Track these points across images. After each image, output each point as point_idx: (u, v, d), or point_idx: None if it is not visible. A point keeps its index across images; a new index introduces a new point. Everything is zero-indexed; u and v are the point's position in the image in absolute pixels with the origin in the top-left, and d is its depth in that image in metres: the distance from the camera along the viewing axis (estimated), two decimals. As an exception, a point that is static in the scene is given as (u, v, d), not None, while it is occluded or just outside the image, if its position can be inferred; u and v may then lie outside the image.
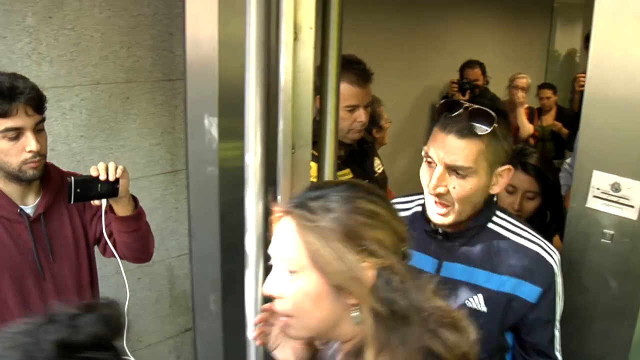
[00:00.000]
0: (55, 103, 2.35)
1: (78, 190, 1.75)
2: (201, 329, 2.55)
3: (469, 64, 5.50)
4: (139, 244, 2.02)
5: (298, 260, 1.10)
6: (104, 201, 1.82)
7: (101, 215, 1.88)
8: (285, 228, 1.13)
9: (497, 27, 6.19)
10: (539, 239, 1.61)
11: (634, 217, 1.68)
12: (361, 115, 2.21)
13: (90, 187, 1.78)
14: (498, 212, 1.66)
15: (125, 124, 2.55)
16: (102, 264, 2.50)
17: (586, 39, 3.38)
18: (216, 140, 2.23)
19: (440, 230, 1.62)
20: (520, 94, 5.10)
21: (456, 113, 1.53)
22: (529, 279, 1.56)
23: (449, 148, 1.51)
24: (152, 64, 2.59)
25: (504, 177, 1.57)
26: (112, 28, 2.44)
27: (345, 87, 2.07)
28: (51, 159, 2.37)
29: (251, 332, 1.57)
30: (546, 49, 7.09)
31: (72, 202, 1.75)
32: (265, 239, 1.55)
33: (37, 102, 1.76)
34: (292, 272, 1.11)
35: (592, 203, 1.73)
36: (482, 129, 1.49)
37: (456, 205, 1.55)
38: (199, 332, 2.57)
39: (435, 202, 1.58)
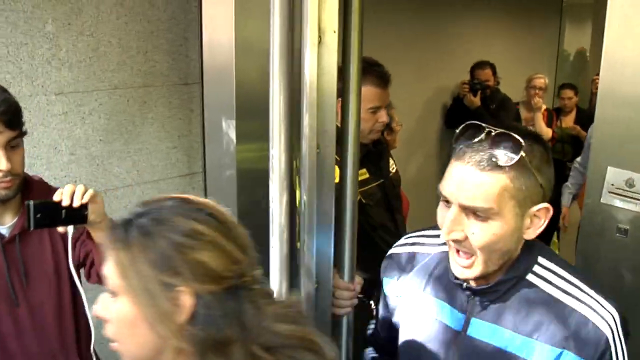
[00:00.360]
0: (75, 108, 2.40)
1: (38, 215, 1.55)
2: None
3: (479, 65, 5.52)
4: None
5: (113, 282, 1.01)
6: (69, 228, 1.61)
7: (80, 241, 1.72)
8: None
9: (507, 27, 6.20)
10: (593, 296, 1.29)
11: (649, 212, 1.71)
12: (383, 116, 2.26)
13: (52, 213, 1.57)
14: (541, 260, 1.34)
15: (142, 128, 2.60)
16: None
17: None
18: (234, 143, 2.27)
19: (464, 285, 1.35)
20: (537, 99, 5.10)
21: (477, 139, 1.25)
22: (573, 349, 1.25)
23: (464, 184, 1.23)
24: (169, 68, 2.63)
25: (542, 217, 1.26)
26: (129, 33, 2.49)
27: (368, 89, 2.11)
28: (71, 163, 2.42)
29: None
30: (556, 49, 7.09)
31: (32, 228, 1.55)
32: (290, 237, 1.58)
33: (9, 117, 1.58)
34: (112, 294, 1.02)
35: (607, 199, 1.76)
36: (506, 158, 1.20)
37: (479, 255, 1.26)
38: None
39: (457, 250, 1.30)
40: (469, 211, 1.24)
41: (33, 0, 2.24)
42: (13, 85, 2.23)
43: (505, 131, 1.22)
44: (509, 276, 1.31)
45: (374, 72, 2.20)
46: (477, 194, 1.21)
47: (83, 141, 2.44)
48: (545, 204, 1.26)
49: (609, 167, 1.76)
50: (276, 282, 1.61)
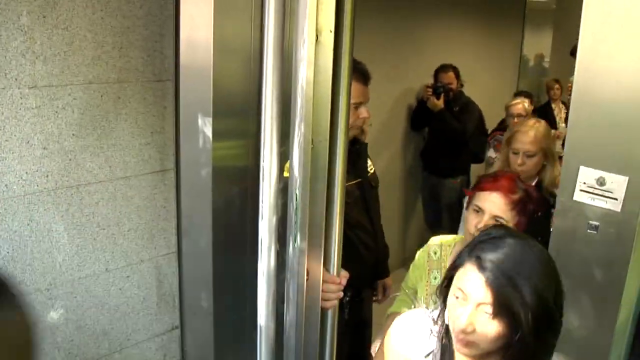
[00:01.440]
0: (49, 102, 2.38)
1: None
2: (191, 327, 2.58)
3: (442, 68, 5.63)
4: None
5: None
6: None
7: None
8: None
9: (474, 31, 6.33)
10: None
11: (618, 209, 1.79)
12: (364, 112, 2.31)
13: None
14: None
15: (116, 124, 2.58)
16: (93, 261, 2.53)
17: (573, 50, 3.69)
18: (210, 140, 2.28)
19: None
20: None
21: None
22: None
23: None
24: (143, 64, 2.62)
25: None
26: (105, 28, 2.47)
27: (354, 85, 2.17)
28: (43, 157, 2.39)
29: (264, 319, 1.62)
30: (519, 54, 7.27)
31: None
32: (278, 231, 1.61)
33: None
34: None
35: (579, 196, 1.84)
36: None
37: None
38: (189, 330, 2.60)
39: None
40: None
41: (8, -7, 2.22)
42: (-14, 77, 2.21)
43: None
44: None
45: (357, 69, 2.26)
46: None
47: (56, 135, 2.42)
48: None
49: (581, 167, 1.84)
50: (264, 275, 1.63)
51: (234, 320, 2.17)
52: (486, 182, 2.49)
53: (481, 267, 1.50)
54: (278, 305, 1.92)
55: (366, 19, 4.54)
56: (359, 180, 2.38)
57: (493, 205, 2.37)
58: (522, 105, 5.34)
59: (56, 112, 2.40)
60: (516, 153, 3.60)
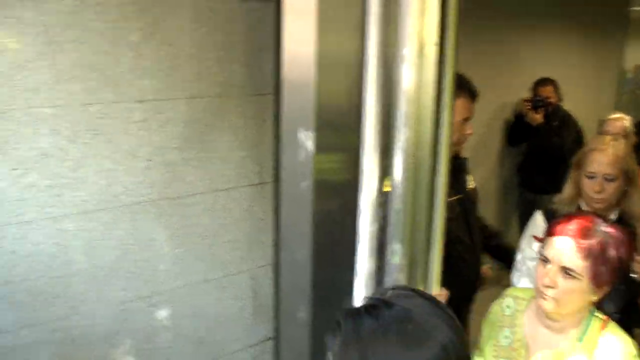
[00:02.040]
0: (154, 115, 2.46)
1: None
2: (287, 337, 2.59)
3: (541, 82, 5.47)
4: None
5: None
6: None
7: None
8: None
9: (570, 43, 6.14)
10: None
11: None
12: (470, 128, 2.31)
13: None
14: None
15: (217, 137, 2.64)
16: (192, 271, 2.59)
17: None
18: (312, 153, 2.30)
19: None
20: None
21: None
22: None
23: None
24: (243, 79, 2.68)
25: None
26: (208, 44, 2.54)
27: (462, 101, 2.18)
28: (148, 169, 2.48)
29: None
30: (619, 67, 6.99)
31: None
32: (377, 245, 1.59)
33: None
34: None
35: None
36: None
37: None
38: (285, 341, 2.62)
39: None
40: None
41: (120, 11, 2.31)
42: (97, 92, 2.31)
43: None
44: None
45: (467, 84, 2.27)
46: None
47: (160, 148, 2.50)
48: None
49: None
50: (361, 286, 1.62)
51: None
52: (555, 225, 2.12)
53: None
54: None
55: (460, 32, 4.49)
56: (460, 195, 2.35)
57: (561, 254, 2.03)
58: (622, 122, 5.00)
59: (161, 125, 2.49)
60: (592, 177, 2.99)
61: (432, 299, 1.00)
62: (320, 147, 2.26)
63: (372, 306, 0.95)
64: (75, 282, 2.37)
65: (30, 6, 2.15)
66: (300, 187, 2.44)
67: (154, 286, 2.56)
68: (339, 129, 1.97)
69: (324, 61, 2.21)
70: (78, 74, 2.28)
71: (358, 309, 0.98)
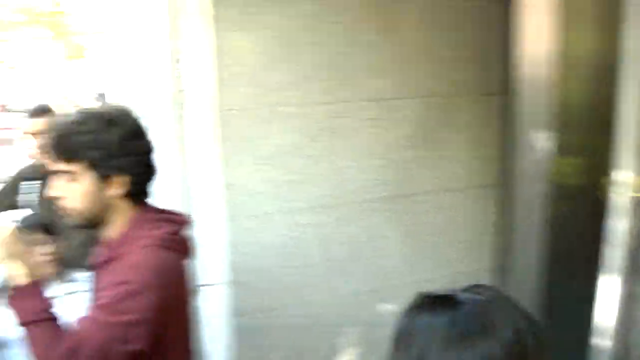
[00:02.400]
0: (387, 114, 2.51)
1: None
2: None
3: None
4: None
5: None
6: None
7: None
8: None
9: None
10: None
11: None
12: None
13: None
14: None
15: (446, 136, 2.63)
16: (418, 269, 2.60)
17: None
18: (550, 155, 2.22)
19: None
20: None
21: None
22: None
23: None
24: (473, 78, 2.64)
25: None
26: (441, 44, 2.55)
27: None
28: (382, 167, 2.52)
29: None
30: None
31: None
32: (629, 258, 1.49)
33: (56, 149, 1.43)
34: None
35: None
36: None
37: None
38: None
39: None
40: None
41: (355, 12, 2.39)
42: (334, 91, 2.40)
43: None
44: None
45: None
46: None
47: (393, 146, 2.54)
48: None
49: None
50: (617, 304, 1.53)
51: (565, 340, 2.07)
52: None
53: None
54: (622, 331, 1.78)
55: None
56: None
57: None
58: None
59: (394, 124, 2.53)
60: None
61: (499, 291, 0.95)
62: (561, 148, 2.18)
63: (444, 298, 0.91)
64: (309, 273, 2.48)
65: (276, 11, 2.29)
66: (533, 190, 2.37)
67: (382, 281, 2.61)
68: (583, 131, 1.87)
69: (567, 60, 2.13)
70: (316, 74, 2.39)
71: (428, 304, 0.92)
